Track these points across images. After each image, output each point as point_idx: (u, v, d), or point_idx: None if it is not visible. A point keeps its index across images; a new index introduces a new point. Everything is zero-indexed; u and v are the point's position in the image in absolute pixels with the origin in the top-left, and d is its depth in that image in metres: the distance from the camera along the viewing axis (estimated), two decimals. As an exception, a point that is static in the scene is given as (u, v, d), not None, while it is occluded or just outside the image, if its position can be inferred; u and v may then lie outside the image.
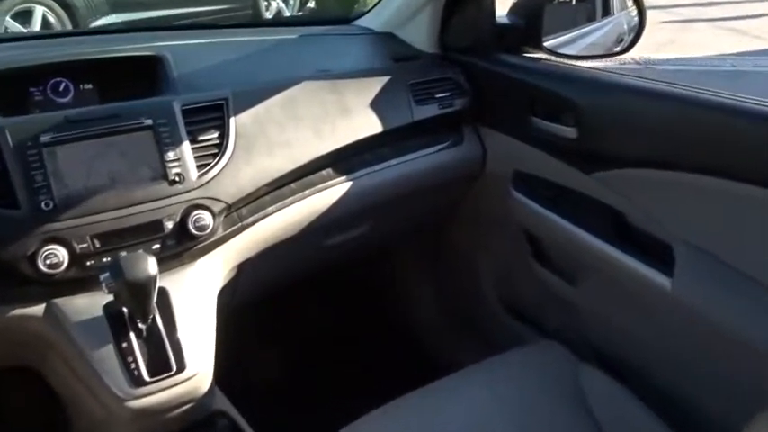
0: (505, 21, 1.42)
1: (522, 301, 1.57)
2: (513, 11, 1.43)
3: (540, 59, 1.37)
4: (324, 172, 1.23)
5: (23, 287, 0.94)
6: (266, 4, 6.60)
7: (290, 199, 1.19)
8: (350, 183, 1.26)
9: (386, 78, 1.33)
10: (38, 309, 0.96)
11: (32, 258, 0.92)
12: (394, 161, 1.32)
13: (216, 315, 1.07)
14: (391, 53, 1.44)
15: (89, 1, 5.43)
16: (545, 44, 1.37)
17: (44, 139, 0.96)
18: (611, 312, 1.30)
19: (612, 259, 1.18)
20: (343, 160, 1.26)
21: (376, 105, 1.29)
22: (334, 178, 1.24)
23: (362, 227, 1.39)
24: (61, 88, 1.14)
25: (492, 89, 1.41)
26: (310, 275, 1.50)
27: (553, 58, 1.37)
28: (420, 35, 1.47)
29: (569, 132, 1.23)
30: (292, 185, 1.19)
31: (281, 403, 1.54)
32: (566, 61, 1.36)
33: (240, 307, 1.28)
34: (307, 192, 1.21)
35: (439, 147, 1.40)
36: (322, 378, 1.70)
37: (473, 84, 1.42)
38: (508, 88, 1.37)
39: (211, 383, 1.03)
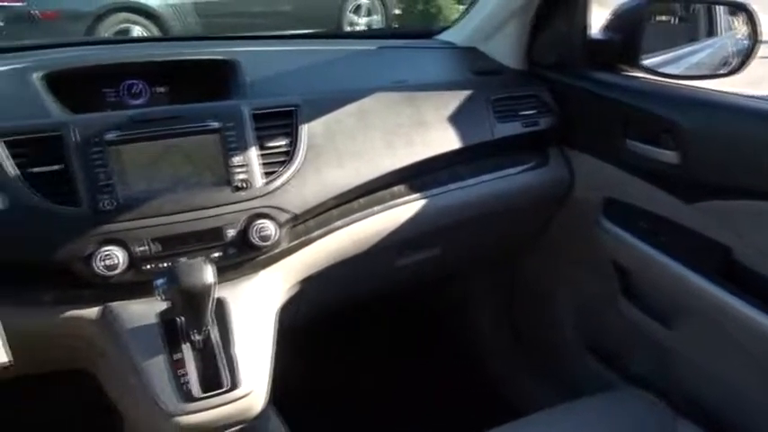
0: (599, 37, 1.32)
1: (605, 341, 1.43)
2: (608, 27, 1.32)
3: (637, 78, 1.26)
4: (395, 188, 1.16)
5: (77, 289, 0.91)
6: (350, 29, 6.73)
7: (359, 214, 1.11)
8: (422, 201, 1.17)
9: (466, 92, 1.25)
10: (91, 312, 0.92)
11: (88, 259, 0.88)
12: (471, 180, 1.24)
13: (276, 332, 1.01)
14: (473, 67, 1.36)
15: (184, 22, 5.68)
16: (643, 63, 1.26)
17: (109, 137, 0.93)
18: (713, 362, 1.15)
19: (717, 301, 1.04)
20: (417, 177, 1.18)
21: (454, 120, 1.21)
22: (406, 195, 1.16)
23: (434, 249, 1.30)
24: (135, 90, 1.12)
25: (582, 108, 1.31)
26: (378, 296, 1.42)
27: (651, 77, 1.25)
28: (505, 49, 1.39)
29: (670, 157, 1.11)
30: (361, 200, 1.12)
31: (339, 428, 1.46)
32: (665, 81, 1.25)
33: (301, 325, 1.22)
34: (376, 208, 1.13)
35: (520, 168, 1.30)
36: (383, 407, 1.60)
37: (561, 102, 1.32)
38: (600, 108, 1.26)
39: (266, 404, 0.96)
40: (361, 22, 7.05)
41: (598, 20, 1.35)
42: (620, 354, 1.39)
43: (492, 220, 1.31)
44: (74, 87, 1.03)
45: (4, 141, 0.89)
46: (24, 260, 0.85)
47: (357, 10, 7.17)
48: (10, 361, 0.84)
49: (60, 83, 1.02)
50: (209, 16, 5.96)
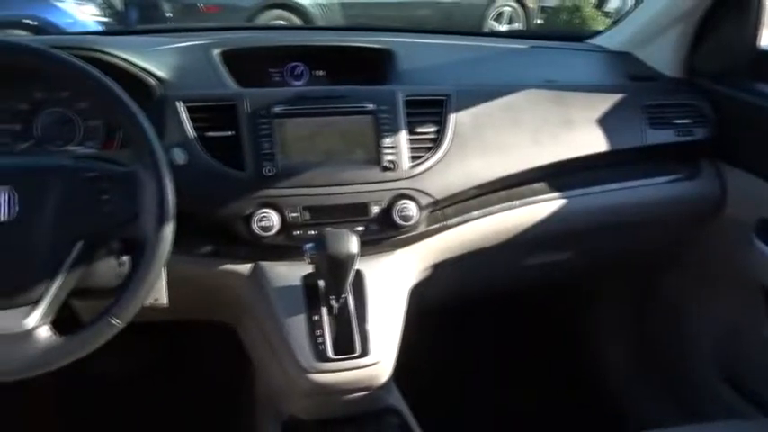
0: (770, 48, 1.24)
1: (742, 367, 1.34)
2: (782, 37, 1.24)
3: None
4: (537, 185, 1.16)
5: (234, 246, 0.99)
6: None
7: (498, 207, 1.12)
8: (563, 200, 1.16)
9: (618, 96, 1.22)
10: (243, 268, 1.00)
11: (248, 219, 0.96)
12: (615, 185, 1.21)
13: (406, 312, 1.04)
14: (627, 72, 1.33)
15: (330, 21, 5.94)
16: (819, 78, 1.18)
17: (276, 110, 1.00)
18: None
19: None
20: (560, 175, 1.17)
21: (604, 122, 1.18)
22: (547, 193, 1.16)
23: (568, 251, 1.29)
24: (297, 72, 1.21)
25: (743, 122, 1.23)
26: (504, 292, 1.42)
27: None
28: (663, 56, 1.34)
29: None
30: (501, 193, 1.13)
31: (452, 416, 1.46)
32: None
33: (429, 310, 1.24)
34: (516, 202, 1.14)
35: (669, 178, 1.25)
36: (496, 405, 1.59)
37: (719, 114, 1.26)
38: (766, 123, 1.18)
39: (390, 377, 1.00)
40: (502, 30, 7.00)
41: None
42: (758, 382, 1.29)
43: (631, 230, 1.27)
44: (245, 65, 1.13)
45: (187, 107, 0.99)
46: (193, 213, 0.94)
47: (499, 17, 7.14)
48: (167, 303, 0.94)
49: (234, 60, 1.11)
50: (354, 17, 6.19)
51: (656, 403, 1.53)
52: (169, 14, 5.37)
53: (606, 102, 1.21)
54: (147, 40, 1.21)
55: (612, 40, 1.45)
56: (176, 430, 1.29)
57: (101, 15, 5.00)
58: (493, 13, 7.06)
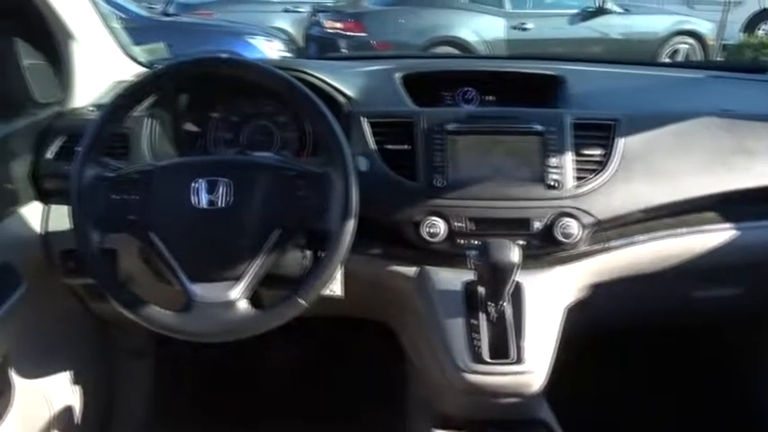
0: None
1: None
2: None
3: None
4: (706, 213, 1.13)
5: (402, 249, 1.08)
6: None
7: (664, 233, 1.11)
8: (734, 232, 1.12)
9: None
10: (410, 270, 1.09)
11: (417, 225, 1.05)
12: None
13: (561, 328, 1.06)
14: None
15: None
16: None
17: (449, 127, 1.09)
18: None
19: None
20: (732, 206, 1.13)
21: None
22: (717, 223, 1.13)
23: (739, 286, 1.23)
24: (468, 96, 1.29)
25: None
26: (672, 325, 1.37)
27: None
28: None
29: None
30: (667, 219, 1.12)
31: None
32: None
33: (584, 333, 1.24)
34: (683, 230, 1.12)
35: None
36: None
37: None
38: None
39: (541, 388, 1.02)
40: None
41: None
42: None
43: None
44: (422, 88, 1.23)
45: (370, 122, 1.11)
46: (369, 216, 1.04)
47: (674, 55, 6.80)
48: (341, 296, 1.04)
49: (412, 83, 1.22)
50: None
51: None
52: (344, 50, 5.79)
53: None
54: (337, 64, 1.37)
55: (800, 72, 1.38)
56: (335, 417, 1.39)
57: (286, 51, 5.51)
58: (668, 50, 6.75)
